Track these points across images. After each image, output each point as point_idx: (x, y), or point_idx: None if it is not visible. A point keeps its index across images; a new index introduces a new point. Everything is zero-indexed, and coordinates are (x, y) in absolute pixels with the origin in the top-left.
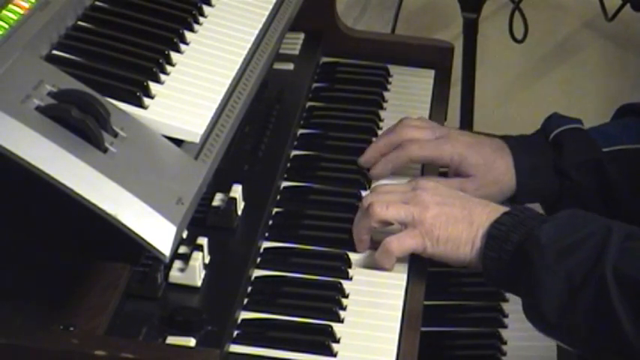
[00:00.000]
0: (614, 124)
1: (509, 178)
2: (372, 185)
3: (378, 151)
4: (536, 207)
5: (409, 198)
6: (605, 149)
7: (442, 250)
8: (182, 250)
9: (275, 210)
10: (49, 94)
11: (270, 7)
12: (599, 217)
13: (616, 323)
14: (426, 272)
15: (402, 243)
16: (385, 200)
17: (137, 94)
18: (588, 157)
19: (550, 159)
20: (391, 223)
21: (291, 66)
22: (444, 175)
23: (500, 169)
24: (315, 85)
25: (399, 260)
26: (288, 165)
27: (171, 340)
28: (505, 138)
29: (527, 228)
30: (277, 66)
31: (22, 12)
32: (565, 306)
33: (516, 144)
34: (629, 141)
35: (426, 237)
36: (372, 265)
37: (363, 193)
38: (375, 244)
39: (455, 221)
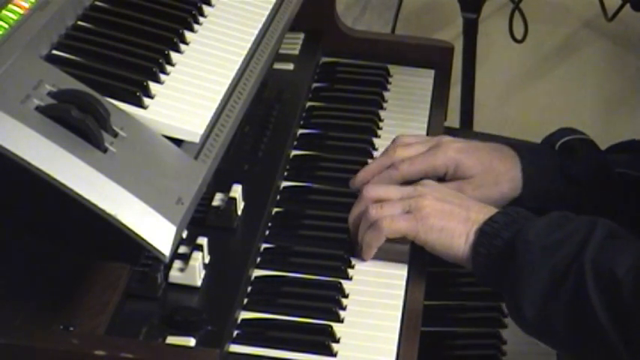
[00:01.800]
0: (616, 154)
1: (509, 179)
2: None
3: (371, 174)
4: None
5: (408, 192)
6: (617, 170)
7: (435, 239)
8: (182, 250)
9: (275, 210)
10: (49, 94)
11: (270, 7)
12: (587, 216)
13: (593, 316)
14: (426, 272)
15: (394, 224)
16: (382, 199)
17: (137, 94)
18: (599, 165)
19: (558, 164)
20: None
21: (291, 66)
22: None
23: (498, 170)
24: (314, 85)
25: (399, 260)
26: (288, 165)
27: (171, 340)
28: (508, 143)
29: (519, 226)
30: (277, 66)
31: (22, 12)
32: (547, 302)
33: (522, 147)
34: (637, 169)
35: (420, 222)
36: (372, 265)
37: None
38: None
39: (451, 215)
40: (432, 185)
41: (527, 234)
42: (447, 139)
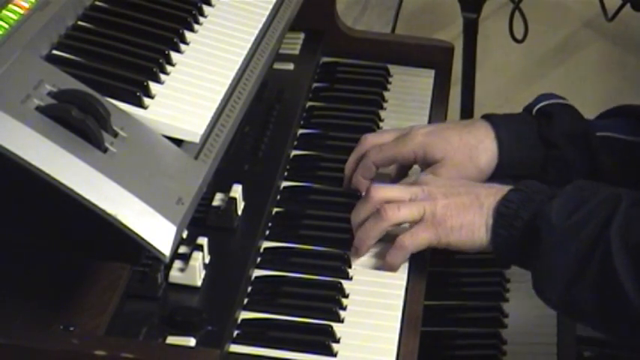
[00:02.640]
0: (606, 120)
1: (483, 150)
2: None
3: (351, 166)
4: None
5: (416, 193)
6: (597, 134)
7: (457, 238)
8: (182, 250)
9: (275, 210)
10: (49, 94)
11: (270, 7)
12: (606, 186)
13: (620, 291)
14: (426, 272)
15: (415, 238)
16: (395, 199)
17: (137, 94)
18: (577, 127)
19: (535, 129)
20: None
21: (291, 66)
22: None
23: (470, 144)
24: (315, 84)
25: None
26: (288, 165)
27: (172, 340)
28: (485, 115)
29: (536, 203)
30: (277, 66)
31: (22, 12)
32: (574, 279)
33: (497, 117)
34: (621, 133)
35: (439, 228)
36: (372, 265)
37: (363, 193)
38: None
39: (464, 208)
40: (433, 180)
41: (549, 215)
42: (416, 126)
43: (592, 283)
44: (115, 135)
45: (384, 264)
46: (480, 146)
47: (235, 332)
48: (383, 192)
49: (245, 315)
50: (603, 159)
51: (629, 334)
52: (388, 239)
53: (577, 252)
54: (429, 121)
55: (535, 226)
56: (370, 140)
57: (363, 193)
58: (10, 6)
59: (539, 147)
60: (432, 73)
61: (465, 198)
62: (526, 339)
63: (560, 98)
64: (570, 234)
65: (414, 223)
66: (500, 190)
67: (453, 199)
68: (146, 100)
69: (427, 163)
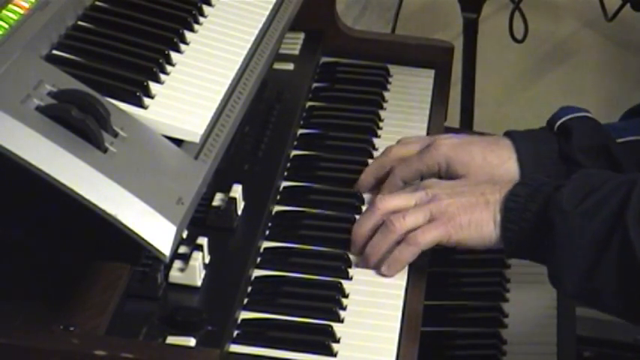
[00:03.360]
0: (625, 121)
1: (505, 171)
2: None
3: (372, 175)
4: None
5: (420, 198)
6: (618, 140)
7: (467, 234)
8: (182, 250)
9: (275, 210)
10: (49, 94)
11: (270, 6)
12: (613, 173)
13: None
14: (426, 272)
15: (426, 235)
16: (400, 208)
17: (137, 94)
18: (597, 142)
19: (555, 147)
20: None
21: (291, 66)
22: None
23: (492, 164)
24: (315, 84)
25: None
26: (288, 165)
27: (171, 340)
28: (507, 132)
29: (544, 195)
30: (277, 66)
31: (22, 12)
32: (592, 265)
33: (519, 135)
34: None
35: (449, 224)
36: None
37: (364, 194)
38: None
39: (471, 205)
40: (437, 183)
41: (561, 203)
42: (441, 137)
43: (612, 268)
44: (115, 135)
45: (390, 260)
46: (502, 167)
47: (235, 332)
48: (388, 202)
49: (245, 315)
50: (627, 166)
51: None
52: None
53: (593, 238)
54: (429, 121)
55: (547, 217)
56: (395, 152)
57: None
58: (10, 6)
59: (560, 165)
60: (432, 73)
61: (470, 196)
62: (526, 339)
63: (579, 111)
64: (584, 219)
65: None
66: (504, 186)
67: (457, 198)
68: (146, 100)
69: (449, 177)
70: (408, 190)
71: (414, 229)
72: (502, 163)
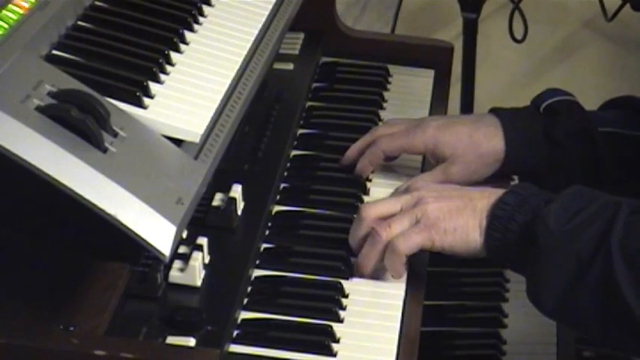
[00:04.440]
0: (609, 112)
1: (491, 148)
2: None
3: (356, 151)
4: None
5: (406, 201)
6: (600, 129)
7: (451, 240)
8: (182, 250)
9: (275, 210)
10: (49, 94)
11: (270, 7)
12: (604, 193)
13: (621, 300)
14: (426, 272)
15: (407, 241)
16: (386, 215)
17: (137, 94)
18: (581, 126)
19: (541, 127)
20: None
21: (290, 66)
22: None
23: (479, 142)
24: (314, 85)
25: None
26: (288, 165)
27: (171, 340)
28: (493, 109)
29: (532, 206)
30: (277, 66)
31: (21, 12)
32: (572, 285)
33: (506, 113)
34: (624, 127)
35: (433, 230)
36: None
37: (363, 196)
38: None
39: (458, 210)
40: (425, 187)
41: (547, 219)
42: (428, 118)
43: (591, 290)
44: (115, 135)
45: (387, 269)
46: (488, 144)
47: (235, 332)
48: (373, 210)
49: (245, 315)
50: (607, 156)
51: (630, 343)
52: None
53: (575, 258)
54: None
55: (532, 230)
56: (381, 131)
57: (365, 176)
58: (10, 6)
59: (545, 146)
60: (431, 73)
61: (458, 201)
62: (526, 339)
63: (567, 95)
64: (568, 239)
65: None
66: (494, 193)
67: (445, 202)
68: (146, 100)
69: (436, 158)
70: (394, 194)
71: (395, 238)
72: (488, 140)
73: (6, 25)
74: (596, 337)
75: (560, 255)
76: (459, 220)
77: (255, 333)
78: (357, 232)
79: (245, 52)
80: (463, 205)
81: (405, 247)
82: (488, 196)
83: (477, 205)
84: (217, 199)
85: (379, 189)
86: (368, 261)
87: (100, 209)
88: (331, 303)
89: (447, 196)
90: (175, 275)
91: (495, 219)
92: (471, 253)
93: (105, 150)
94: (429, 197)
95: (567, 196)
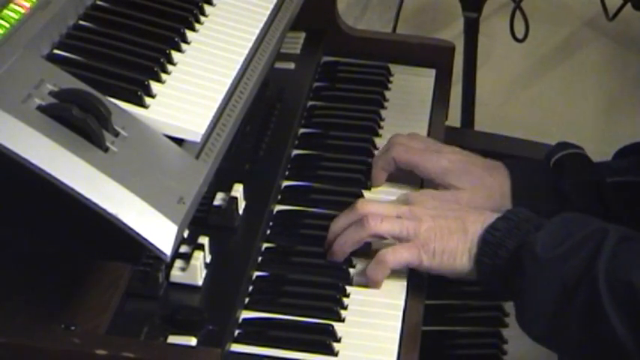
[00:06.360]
0: (618, 161)
1: (500, 196)
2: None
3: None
4: None
5: (403, 212)
6: (609, 179)
7: (438, 263)
8: (183, 249)
9: (276, 209)
10: (50, 93)
11: (272, 6)
12: (595, 220)
13: (608, 327)
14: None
15: (397, 255)
16: (379, 213)
17: (138, 94)
18: (589, 179)
19: (550, 181)
20: (384, 238)
21: (292, 65)
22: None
23: (492, 188)
24: (316, 84)
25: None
26: (289, 164)
27: (173, 339)
28: (504, 160)
29: (522, 232)
30: (278, 65)
31: (23, 11)
32: (558, 313)
33: (516, 164)
34: (633, 174)
35: (422, 250)
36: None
37: (364, 193)
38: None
39: (449, 232)
40: (425, 201)
41: (534, 246)
42: (446, 149)
43: (578, 317)
44: (116, 134)
45: (366, 278)
46: (499, 191)
47: (236, 332)
48: (369, 206)
49: (246, 314)
50: (616, 206)
51: None
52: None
53: (561, 285)
54: (430, 121)
55: (519, 257)
56: (400, 138)
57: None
58: (12, 5)
59: (552, 200)
60: (433, 72)
61: (452, 222)
62: (527, 338)
63: (574, 148)
64: (554, 267)
65: (397, 240)
66: (488, 217)
67: (438, 221)
68: (147, 100)
69: (444, 186)
70: (395, 202)
71: (384, 249)
72: (498, 189)
73: (7, 25)
74: None
75: (545, 281)
76: (450, 243)
77: (256, 332)
78: (345, 218)
79: (246, 52)
80: (456, 227)
81: (393, 260)
82: (483, 221)
83: (468, 229)
84: (218, 199)
85: (381, 189)
86: (345, 245)
87: (102, 208)
88: (332, 302)
89: (443, 216)
90: (177, 275)
91: (486, 245)
92: (458, 276)
93: (106, 149)
94: (424, 214)
95: (556, 223)
